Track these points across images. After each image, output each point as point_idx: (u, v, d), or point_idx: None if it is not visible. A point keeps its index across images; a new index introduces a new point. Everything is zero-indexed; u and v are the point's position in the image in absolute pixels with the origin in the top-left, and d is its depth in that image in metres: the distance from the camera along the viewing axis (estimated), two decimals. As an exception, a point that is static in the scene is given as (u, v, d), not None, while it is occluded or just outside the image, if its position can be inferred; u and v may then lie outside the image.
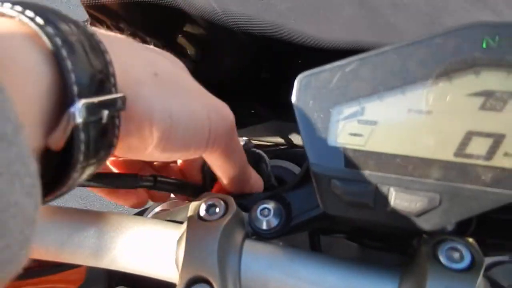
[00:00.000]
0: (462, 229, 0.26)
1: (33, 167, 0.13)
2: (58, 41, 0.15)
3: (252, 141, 0.48)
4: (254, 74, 0.48)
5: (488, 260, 0.21)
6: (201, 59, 0.45)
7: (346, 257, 0.25)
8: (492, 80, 0.19)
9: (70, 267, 0.37)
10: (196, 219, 0.25)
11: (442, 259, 0.21)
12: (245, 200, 0.29)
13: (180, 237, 0.25)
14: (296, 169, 0.37)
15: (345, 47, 0.37)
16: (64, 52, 0.15)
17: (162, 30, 0.39)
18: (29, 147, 0.13)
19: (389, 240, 0.29)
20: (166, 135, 0.21)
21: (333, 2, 0.38)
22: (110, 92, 0.17)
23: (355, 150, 0.21)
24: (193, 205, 0.26)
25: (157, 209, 0.41)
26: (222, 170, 0.27)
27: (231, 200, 0.26)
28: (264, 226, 0.26)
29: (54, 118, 0.15)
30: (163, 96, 0.21)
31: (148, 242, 0.25)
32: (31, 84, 0.14)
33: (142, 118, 0.20)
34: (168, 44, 0.39)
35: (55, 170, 0.17)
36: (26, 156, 0.13)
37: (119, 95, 0.17)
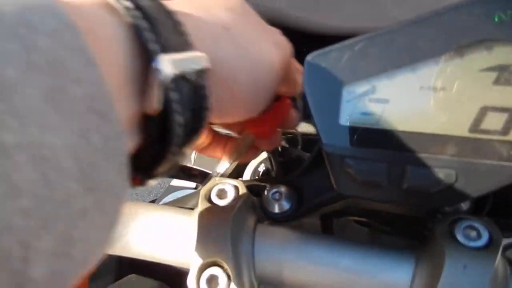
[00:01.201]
0: (477, 209, 0.25)
1: (125, 145, 0.13)
2: (135, 12, 0.14)
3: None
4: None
5: (504, 241, 0.21)
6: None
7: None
8: (505, 54, 0.19)
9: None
10: (207, 204, 0.25)
11: (459, 237, 0.21)
12: (255, 185, 0.29)
13: (192, 223, 0.25)
14: (306, 156, 0.37)
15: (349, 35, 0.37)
16: (143, 23, 0.14)
17: None
18: (122, 123, 0.13)
19: (400, 224, 0.29)
20: (253, 86, 0.21)
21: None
22: (190, 49, 0.16)
23: (367, 129, 0.21)
24: (203, 190, 0.26)
25: (165, 199, 0.41)
26: (286, 92, 0.27)
27: (242, 184, 0.26)
28: (276, 210, 0.26)
29: (144, 83, 0.15)
30: (240, 48, 0.20)
31: (160, 228, 0.25)
32: (119, 57, 0.14)
33: (228, 75, 0.19)
34: None
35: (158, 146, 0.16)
36: (119, 133, 0.13)
37: (200, 53, 0.17)
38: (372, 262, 0.22)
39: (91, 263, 0.12)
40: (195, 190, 0.30)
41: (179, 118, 0.15)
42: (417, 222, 0.28)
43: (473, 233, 0.21)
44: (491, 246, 0.20)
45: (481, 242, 0.21)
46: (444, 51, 0.19)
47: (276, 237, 0.24)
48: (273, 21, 0.37)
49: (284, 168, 0.32)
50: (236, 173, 0.37)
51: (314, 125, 0.22)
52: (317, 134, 0.22)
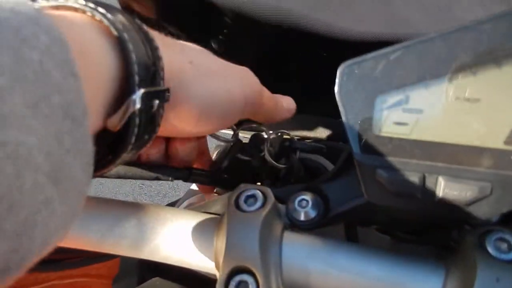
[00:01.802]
0: (507, 220, 0.25)
1: (91, 147, 0.15)
2: (125, 35, 0.16)
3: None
4: (278, 67, 0.47)
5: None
6: (224, 51, 0.45)
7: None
8: (542, 66, 0.19)
9: (98, 260, 0.38)
10: (235, 210, 0.25)
11: (490, 249, 0.21)
12: (281, 191, 0.29)
13: (220, 228, 0.25)
14: (326, 163, 0.37)
15: (367, 40, 0.37)
16: (130, 46, 0.16)
17: (186, 21, 0.40)
18: (91, 129, 0.15)
19: (425, 233, 0.29)
20: (205, 116, 0.23)
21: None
22: (159, 85, 0.19)
23: (400, 139, 0.21)
24: (231, 196, 0.26)
25: (185, 203, 0.41)
26: (261, 117, 0.30)
27: (269, 191, 0.26)
28: (302, 217, 0.26)
29: (115, 103, 0.17)
30: (200, 81, 0.23)
31: (187, 233, 0.25)
32: (101, 74, 0.16)
33: (183, 101, 0.22)
34: (191, 35, 0.40)
35: (107, 149, 0.19)
36: (88, 137, 0.14)
37: (166, 87, 0.19)
38: (401, 271, 0.22)
39: (49, 246, 0.14)
40: (218, 196, 0.30)
41: (133, 138, 0.18)
42: (442, 231, 0.27)
43: (504, 246, 0.21)
44: (523, 259, 0.20)
45: (512, 255, 0.20)
46: (482, 61, 0.19)
47: (303, 245, 0.24)
48: (295, 25, 0.37)
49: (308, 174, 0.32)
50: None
51: (346, 133, 0.22)
52: (345, 142, 0.22)
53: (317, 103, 0.54)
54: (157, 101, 0.18)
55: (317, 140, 0.50)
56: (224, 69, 0.26)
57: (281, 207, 0.27)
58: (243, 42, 0.44)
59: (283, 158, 0.39)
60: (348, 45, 0.37)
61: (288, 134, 0.35)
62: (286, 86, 0.50)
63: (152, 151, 0.30)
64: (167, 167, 0.28)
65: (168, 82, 0.20)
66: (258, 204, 0.25)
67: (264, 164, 0.36)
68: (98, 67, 0.16)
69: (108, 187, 1.70)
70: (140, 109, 0.17)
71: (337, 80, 0.22)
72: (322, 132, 0.49)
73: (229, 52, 0.44)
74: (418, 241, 0.30)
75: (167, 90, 0.20)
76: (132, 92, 0.17)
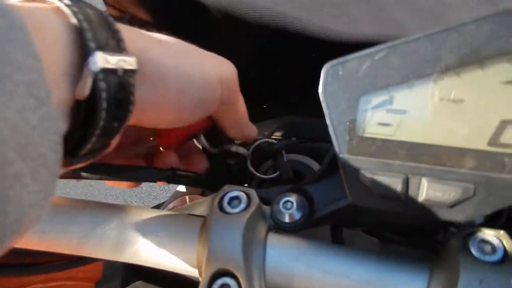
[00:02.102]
0: (491, 222, 0.25)
1: (59, 127, 0.16)
2: (80, 15, 0.18)
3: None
4: (270, 68, 0.47)
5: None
6: (216, 53, 0.44)
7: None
8: (526, 68, 0.19)
9: (83, 263, 0.37)
10: (218, 211, 0.24)
11: (474, 251, 0.20)
12: (265, 192, 0.28)
13: (202, 231, 0.24)
14: (313, 164, 0.36)
15: (359, 41, 0.37)
16: (85, 25, 0.17)
17: (179, 23, 0.39)
18: (58, 108, 0.16)
19: (411, 234, 0.29)
20: (182, 93, 0.23)
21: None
22: (122, 54, 0.19)
23: (384, 140, 0.20)
24: (215, 198, 0.25)
25: (171, 205, 0.40)
26: (231, 122, 0.29)
27: (253, 193, 0.25)
28: (287, 219, 0.25)
29: (79, 75, 0.18)
30: (171, 57, 0.23)
31: (169, 235, 0.25)
32: (61, 52, 0.17)
33: (155, 79, 0.22)
34: (181, 36, 0.39)
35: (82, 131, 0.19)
36: (55, 116, 0.15)
37: (130, 57, 0.19)
38: (385, 273, 0.22)
39: (24, 226, 0.14)
40: (204, 198, 0.29)
41: (104, 104, 0.18)
42: (428, 233, 0.27)
43: (488, 247, 0.21)
44: (506, 261, 0.20)
45: (496, 257, 0.20)
46: (466, 62, 0.19)
47: (287, 247, 0.24)
48: (283, 26, 0.37)
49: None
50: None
51: (330, 134, 0.22)
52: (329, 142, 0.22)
53: (309, 104, 0.53)
54: (122, 66, 0.18)
55: (303, 140, 0.50)
56: (197, 51, 0.25)
57: (266, 208, 0.27)
58: (236, 43, 0.44)
59: (270, 160, 0.39)
60: (341, 47, 0.37)
61: (273, 137, 0.35)
62: (277, 87, 0.50)
63: (140, 149, 0.29)
64: (150, 168, 0.28)
65: (134, 56, 0.20)
66: (242, 206, 0.25)
67: (246, 169, 0.35)
68: (57, 45, 0.17)
69: (98, 188, 1.68)
70: (103, 71, 0.17)
71: (321, 80, 0.21)
72: (312, 133, 0.49)
73: (221, 53, 0.44)
74: (405, 242, 0.30)
75: (133, 60, 0.19)
76: (89, 55, 0.17)
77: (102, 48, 0.18)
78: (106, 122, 0.19)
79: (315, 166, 0.36)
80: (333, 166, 0.26)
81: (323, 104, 0.21)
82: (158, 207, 0.40)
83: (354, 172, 0.21)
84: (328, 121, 0.21)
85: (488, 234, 0.21)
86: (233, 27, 0.40)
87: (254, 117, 0.53)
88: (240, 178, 0.37)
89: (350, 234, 0.29)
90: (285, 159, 0.34)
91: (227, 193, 0.26)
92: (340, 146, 0.21)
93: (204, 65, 0.24)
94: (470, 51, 0.19)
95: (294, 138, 0.50)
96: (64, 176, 0.27)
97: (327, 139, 0.48)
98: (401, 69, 0.20)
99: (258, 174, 0.35)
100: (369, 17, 0.37)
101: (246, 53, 0.45)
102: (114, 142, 0.21)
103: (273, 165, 0.37)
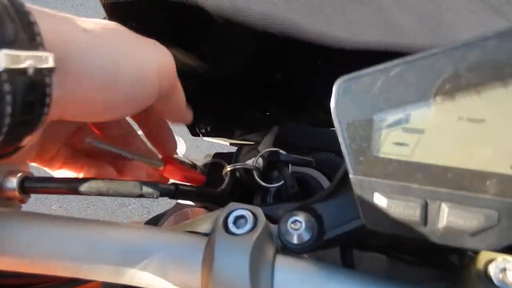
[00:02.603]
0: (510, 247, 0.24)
1: None
2: None
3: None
4: (269, 75, 0.46)
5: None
6: (213, 58, 0.43)
7: (376, 270, 0.23)
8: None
9: (80, 283, 0.35)
10: (223, 232, 0.23)
11: (495, 280, 0.19)
12: (272, 210, 0.27)
13: (207, 252, 0.23)
14: (320, 177, 0.35)
15: (359, 49, 0.36)
16: None
17: (174, 28, 0.38)
18: None
19: (423, 254, 0.28)
20: (112, 87, 0.21)
21: (335, 2, 0.37)
22: (36, 50, 0.17)
23: (400, 161, 0.19)
24: (219, 216, 0.24)
25: (171, 219, 0.39)
26: (169, 111, 0.27)
27: (260, 212, 0.24)
28: (295, 240, 0.24)
29: None
30: (99, 47, 0.21)
31: (172, 256, 0.24)
32: None
33: (79, 74, 0.20)
34: (178, 41, 0.38)
35: None
36: None
37: (46, 53, 0.17)
38: (399, 300, 0.21)
39: None
40: (207, 214, 0.28)
41: (7, 109, 0.16)
42: (441, 254, 0.26)
43: (510, 275, 0.20)
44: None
45: (519, 286, 0.19)
46: (487, 79, 0.18)
47: (296, 270, 0.23)
48: (287, 34, 0.36)
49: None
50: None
51: (343, 153, 0.20)
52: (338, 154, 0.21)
53: (308, 113, 0.52)
54: (32, 66, 0.16)
55: (307, 151, 0.49)
56: (131, 39, 0.23)
57: (273, 227, 0.26)
58: (236, 48, 0.42)
59: (274, 172, 0.38)
60: (341, 53, 0.36)
61: (278, 149, 0.34)
62: (278, 93, 0.49)
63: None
64: (152, 183, 0.27)
65: (54, 50, 0.18)
66: (248, 226, 0.23)
67: (253, 180, 0.34)
68: None
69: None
70: (8, 72, 0.16)
71: (333, 96, 0.20)
72: (313, 143, 0.48)
73: (218, 59, 0.43)
74: (416, 262, 0.29)
75: (50, 56, 0.18)
76: None
77: (8, 44, 0.16)
78: (12, 127, 0.17)
79: (322, 179, 0.35)
80: (344, 183, 0.25)
81: (335, 121, 0.20)
82: (157, 218, 0.39)
83: (368, 195, 0.20)
84: (340, 139, 0.20)
85: (510, 261, 0.20)
86: (232, 32, 0.39)
87: (256, 124, 0.52)
88: (244, 189, 0.36)
89: (359, 253, 0.28)
90: (289, 171, 0.33)
91: (232, 211, 0.24)
92: (353, 166, 0.20)
93: (139, 55, 0.22)
94: (492, 68, 0.18)
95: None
96: (61, 192, 0.26)
97: (330, 149, 0.47)
98: (417, 86, 0.19)
99: (263, 183, 0.34)
100: (368, 20, 0.37)
101: (246, 58, 0.44)
102: (32, 139, 0.19)
103: (278, 175, 0.35)
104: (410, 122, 0.19)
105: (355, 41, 0.36)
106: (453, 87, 0.19)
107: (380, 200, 0.19)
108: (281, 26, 0.36)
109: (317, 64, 0.43)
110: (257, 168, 0.34)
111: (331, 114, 0.53)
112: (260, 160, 0.34)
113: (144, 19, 0.33)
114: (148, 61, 0.22)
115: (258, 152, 0.36)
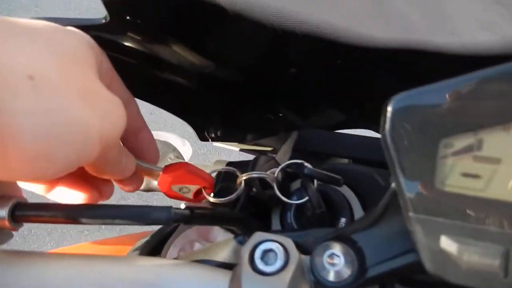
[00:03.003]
0: None
1: None
2: None
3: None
4: (280, 73, 0.43)
5: None
6: (220, 56, 0.39)
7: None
8: None
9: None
10: (251, 271, 0.20)
11: None
12: (300, 237, 0.24)
13: (231, 292, 0.20)
14: (348, 193, 0.32)
15: (393, 47, 0.32)
16: None
17: (182, 24, 0.34)
18: None
19: None
20: (44, 155, 0.17)
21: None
22: None
23: (472, 197, 0.16)
24: (244, 250, 0.21)
25: (178, 243, 0.35)
26: (111, 172, 0.24)
27: (291, 245, 0.21)
28: (332, 278, 0.21)
29: None
30: (38, 106, 0.16)
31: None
32: None
33: (6, 136, 0.16)
34: (183, 38, 0.34)
35: None
36: None
37: None
38: None
39: None
40: (225, 238, 0.25)
41: None
42: None
43: None
44: None
45: None
46: None
47: (336, 316, 0.19)
48: (299, 30, 0.32)
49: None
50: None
51: (398, 186, 0.17)
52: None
53: (322, 113, 0.49)
54: None
55: (324, 157, 0.45)
56: (84, 91, 0.19)
57: (304, 259, 0.22)
58: (242, 46, 0.39)
59: (293, 183, 0.35)
60: (363, 51, 0.33)
61: (302, 161, 0.30)
62: (288, 95, 0.45)
63: None
64: (164, 208, 0.23)
65: None
66: (279, 262, 0.20)
67: (271, 193, 0.31)
68: None
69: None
70: None
71: (387, 118, 0.17)
72: (333, 149, 0.44)
73: (228, 57, 0.39)
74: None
75: None
76: None
77: None
78: None
79: (350, 195, 0.32)
80: (389, 208, 0.21)
81: (390, 148, 0.17)
82: (163, 241, 0.35)
83: (433, 238, 0.16)
84: (397, 170, 0.17)
85: None
86: (243, 29, 0.35)
87: (268, 126, 0.48)
88: (259, 202, 0.33)
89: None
90: (315, 187, 0.30)
91: (259, 243, 0.21)
92: (413, 202, 0.16)
93: (79, 112, 0.18)
94: None
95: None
96: (58, 221, 0.22)
97: (350, 155, 0.44)
98: (496, 106, 0.16)
99: (285, 199, 0.31)
100: (371, 10, 0.33)
101: (256, 56, 0.41)
102: None
103: (299, 189, 0.32)
104: (483, 149, 0.16)
105: (378, 37, 0.32)
106: (542, 108, 0.15)
107: (448, 244, 0.16)
108: (298, 22, 0.32)
109: (335, 63, 0.40)
110: (277, 180, 0.31)
111: (346, 114, 0.49)
112: (279, 173, 0.31)
113: (146, 14, 0.29)
114: (90, 120, 0.18)
115: (277, 162, 0.33)
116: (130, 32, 0.28)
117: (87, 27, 0.25)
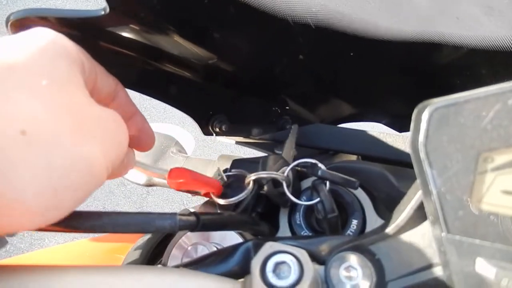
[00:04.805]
0: None
1: None
2: None
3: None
4: (289, 66, 0.41)
5: None
6: (225, 47, 0.37)
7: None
8: None
9: None
10: (262, 284, 0.19)
11: None
12: (314, 244, 0.23)
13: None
14: (361, 195, 0.30)
15: (409, 39, 0.31)
16: None
17: (182, 15, 0.32)
18: None
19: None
20: (51, 206, 0.16)
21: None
22: None
23: (512, 218, 0.15)
24: (255, 262, 0.20)
25: (183, 240, 0.33)
26: (113, 175, 0.24)
27: (306, 257, 0.20)
28: (350, 292, 0.20)
29: None
30: (35, 161, 0.15)
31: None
32: None
33: (9, 197, 0.14)
34: (187, 31, 0.32)
35: None
36: None
37: None
38: None
39: None
40: (234, 242, 0.23)
41: None
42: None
43: None
44: None
45: None
46: None
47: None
48: (325, 24, 0.30)
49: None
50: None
51: (428, 202, 0.16)
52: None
53: (330, 106, 0.47)
54: None
55: (332, 153, 0.44)
56: (80, 125, 0.17)
57: (318, 269, 0.21)
58: (248, 36, 0.37)
59: (303, 182, 0.33)
60: (377, 44, 0.31)
61: (316, 161, 0.29)
62: (296, 87, 0.43)
63: None
64: (169, 214, 0.22)
65: None
66: (293, 277, 0.19)
67: (279, 193, 0.30)
68: None
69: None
70: None
71: (421, 127, 0.15)
72: (337, 144, 0.43)
73: (233, 50, 0.37)
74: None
75: None
76: None
77: None
78: None
79: (364, 198, 0.30)
80: (412, 218, 0.20)
81: (424, 162, 0.15)
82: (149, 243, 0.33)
83: (467, 260, 0.15)
84: (430, 186, 0.15)
85: None
86: (249, 18, 0.33)
87: (275, 120, 0.47)
88: (266, 200, 0.31)
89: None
90: (327, 189, 0.28)
91: (271, 255, 0.20)
92: (448, 222, 0.15)
93: (81, 152, 0.17)
94: None
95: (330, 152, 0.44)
96: (56, 230, 0.21)
97: (356, 151, 0.42)
98: (545, 118, 0.14)
99: (296, 200, 0.29)
100: (395, 6, 0.32)
101: (263, 48, 0.39)
102: None
103: (310, 189, 0.31)
104: (528, 164, 0.14)
105: (396, 29, 0.31)
106: None
107: (485, 268, 0.15)
108: (309, 12, 0.30)
109: (348, 55, 0.38)
110: (287, 179, 0.29)
111: (355, 107, 0.47)
112: (290, 173, 0.29)
113: (153, 8, 0.27)
114: (94, 155, 0.17)
115: (286, 161, 0.31)
116: (130, 23, 0.26)
117: (86, 19, 0.23)
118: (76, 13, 0.22)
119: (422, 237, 0.19)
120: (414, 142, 0.15)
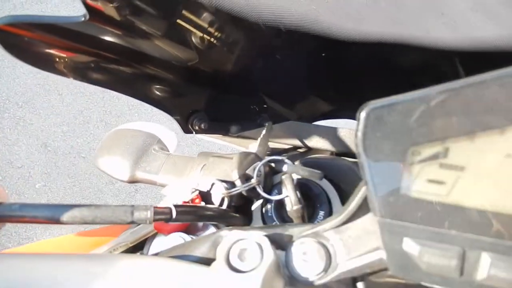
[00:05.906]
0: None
1: None
2: None
3: (269, 144, 0.43)
4: (266, 66, 0.43)
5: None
6: (207, 47, 0.39)
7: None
8: None
9: None
10: (226, 268, 0.21)
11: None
12: (277, 234, 0.25)
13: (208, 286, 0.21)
14: (327, 186, 0.33)
15: (374, 40, 0.33)
16: None
17: (163, 14, 0.34)
18: None
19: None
20: None
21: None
22: None
23: (435, 202, 0.17)
24: (221, 248, 0.22)
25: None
26: None
27: (266, 242, 0.22)
28: (305, 273, 0.22)
29: None
30: None
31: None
32: None
33: None
34: (168, 30, 0.34)
35: None
36: None
37: None
38: None
39: None
40: (204, 235, 0.25)
41: None
42: None
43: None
44: None
45: None
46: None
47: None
48: (300, 28, 0.32)
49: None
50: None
51: (368, 191, 0.18)
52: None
53: (307, 104, 0.49)
54: None
55: (306, 149, 0.46)
56: None
57: (280, 254, 0.23)
58: (229, 39, 0.38)
59: (275, 177, 0.35)
60: (348, 45, 0.33)
61: (283, 157, 0.31)
62: (273, 86, 0.45)
63: None
64: (144, 207, 0.24)
65: None
66: (255, 260, 0.21)
67: (254, 192, 0.32)
68: None
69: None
70: None
71: (360, 125, 0.17)
72: (310, 141, 0.45)
73: (212, 49, 0.39)
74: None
75: None
76: None
77: None
78: None
79: (330, 189, 0.33)
80: (361, 208, 0.22)
81: (362, 154, 0.17)
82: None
83: (397, 240, 0.17)
84: (366, 173, 0.17)
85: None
86: (230, 24, 0.35)
87: (253, 118, 0.49)
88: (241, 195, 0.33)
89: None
90: (294, 183, 0.30)
91: (235, 242, 0.22)
92: (381, 207, 0.17)
93: None
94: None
95: (296, 147, 0.46)
96: (39, 221, 0.23)
97: (328, 148, 0.44)
98: (461, 117, 0.16)
99: (267, 196, 0.31)
100: (372, 8, 0.34)
101: (244, 50, 0.41)
102: None
103: (281, 183, 0.33)
104: (449, 157, 0.17)
105: (363, 31, 0.33)
106: (504, 119, 0.16)
107: (410, 247, 0.17)
108: (277, 16, 0.32)
109: (320, 55, 0.40)
110: (259, 182, 0.31)
111: (331, 104, 0.49)
112: (262, 168, 0.32)
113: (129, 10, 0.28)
114: None
115: (258, 157, 0.34)
116: (112, 28, 0.28)
117: (68, 24, 0.25)
118: (55, 19, 0.24)
119: (370, 223, 0.22)
120: (355, 138, 0.18)
